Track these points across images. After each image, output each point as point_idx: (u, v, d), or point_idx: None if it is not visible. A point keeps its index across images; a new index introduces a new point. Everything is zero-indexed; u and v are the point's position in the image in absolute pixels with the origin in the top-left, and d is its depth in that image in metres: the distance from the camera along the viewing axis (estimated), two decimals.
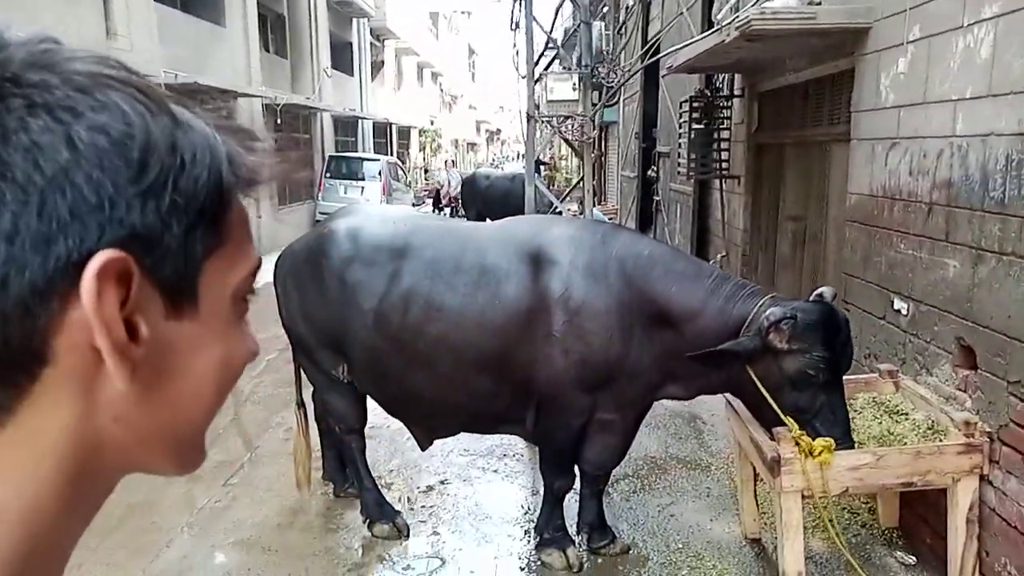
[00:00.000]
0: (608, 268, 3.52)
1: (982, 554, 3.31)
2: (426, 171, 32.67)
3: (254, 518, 4.42)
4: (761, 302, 3.28)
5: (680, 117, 7.91)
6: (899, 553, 3.89)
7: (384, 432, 5.47)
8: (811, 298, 3.37)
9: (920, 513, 3.86)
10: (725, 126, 7.41)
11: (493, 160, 50.25)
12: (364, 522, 4.24)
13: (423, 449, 4.27)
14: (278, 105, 16.20)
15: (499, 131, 76.53)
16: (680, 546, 4.05)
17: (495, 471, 5.03)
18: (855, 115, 4.58)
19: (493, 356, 3.61)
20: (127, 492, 4.60)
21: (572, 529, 4.07)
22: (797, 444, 3.18)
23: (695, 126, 7.38)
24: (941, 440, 3.38)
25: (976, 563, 3.32)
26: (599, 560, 3.94)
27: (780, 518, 3.33)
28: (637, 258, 3.52)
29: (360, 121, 24.92)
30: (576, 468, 3.93)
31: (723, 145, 7.52)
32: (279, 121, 16.67)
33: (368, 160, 19.80)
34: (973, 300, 3.37)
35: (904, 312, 4.01)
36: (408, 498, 4.65)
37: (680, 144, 7.96)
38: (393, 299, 3.72)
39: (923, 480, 3.26)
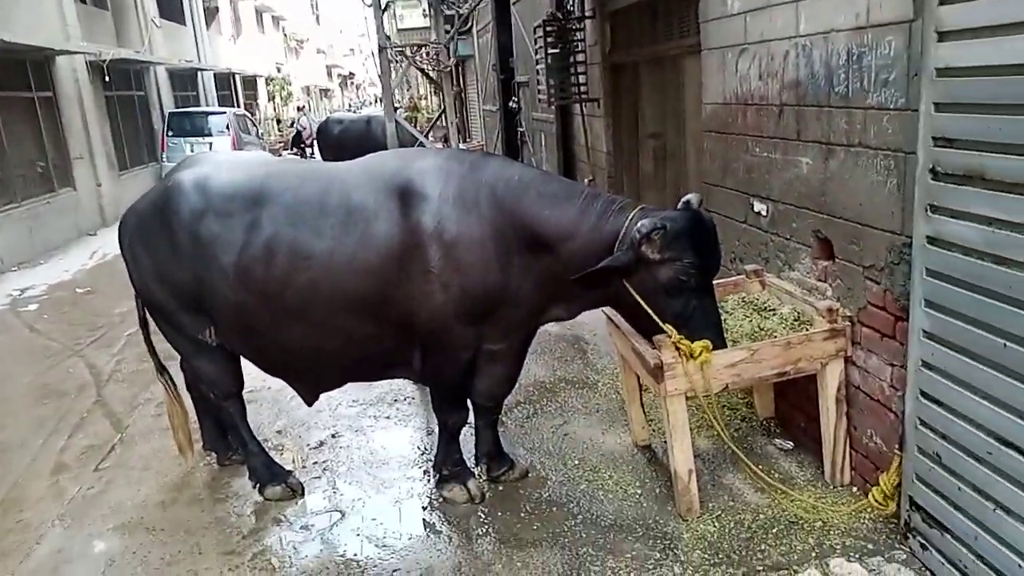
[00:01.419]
0: (480, 197, 3.43)
1: (851, 430, 3.57)
2: (278, 121, 31.11)
3: (134, 499, 4.14)
4: (631, 215, 3.30)
5: (535, 43, 7.82)
6: (777, 440, 4.13)
7: (265, 394, 5.25)
8: (679, 206, 3.42)
9: (793, 401, 4.11)
10: (580, 49, 7.39)
11: (349, 106, 48.47)
12: (254, 487, 4.07)
13: (309, 405, 4.12)
14: (103, 61, 14.82)
15: (352, 75, 73.94)
16: (577, 462, 4.14)
17: (387, 417, 4.94)
18: (704, 25, 4.64)
19: (370, 299, 3.48)
20: None
21: (471, 462, 4.07)
22: (678, 349, 3.26)
23: (551, 51, 7.32)
24: (808, 329, 3.58)
25: (847, 438, 3.57)
26: (500, 488, 3.96)
27: (667, 421, 3.44)
28: (508, 183, 3.45)
29: (199, 73, 23.29)
30: (468, 402, 3.90)
31: (580, 68, 7.51)
32: (108, 79, 15.29)
33: (213, 114, 18.61)
34: (827, 193, 3.53)
35: (764, 213, 4.18)
36: (299, 457, 4.50)
37: (538, 72, 7.89)
38: (254, 250, 3.50)
39: (795, 368, 3.45)
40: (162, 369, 4.19)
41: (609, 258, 3.23)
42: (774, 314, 3.84)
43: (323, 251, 3.45)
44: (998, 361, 2.46)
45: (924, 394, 2.88)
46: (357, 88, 76.45)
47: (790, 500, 3.51)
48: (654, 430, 4.33)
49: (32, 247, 11.95)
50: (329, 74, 61.19)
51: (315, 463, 4.41)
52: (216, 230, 3.54)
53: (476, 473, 4.01)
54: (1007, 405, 2.45)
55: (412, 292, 3.44)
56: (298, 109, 29.66)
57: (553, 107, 8.35)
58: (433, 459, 4.04)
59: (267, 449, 4.30)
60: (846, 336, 3.44)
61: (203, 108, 20.35)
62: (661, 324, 3.26)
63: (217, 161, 3.85)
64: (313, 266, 3.47)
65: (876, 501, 3.30)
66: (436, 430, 3.97)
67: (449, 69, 9.45)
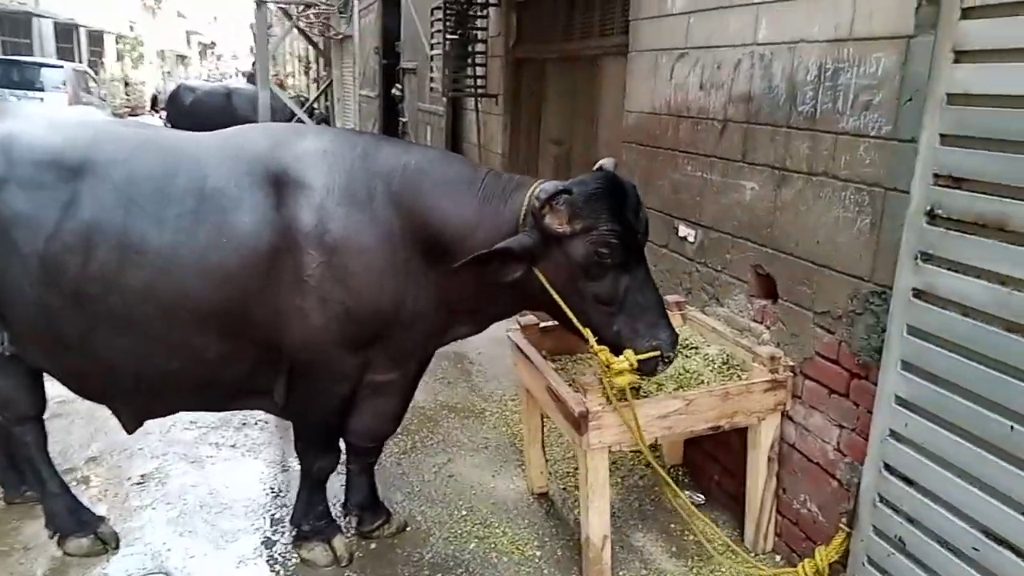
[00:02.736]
0: (373, 190, 2.74)
1: (779, 492, 3.18)
2: (126, 84, 28.37)
3: None
4: (532, 189, 2.68)
5: (432, 27, 7.14)
6: (687, 493, 3.69)
7: (78, 408, 4.24)
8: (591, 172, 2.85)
9: (707, 449, 3.69)
10: (481, 38, 6.80)
11: (208, 76, 45.14)
12: (52, 537, 3.16)
13: (129, 432, 3.23)
14: None
15: (213, 44, 69.60)
16: (464, 513, 3.52)
17: (232, 446, 4.10)
18: (634, 24, 4.17)
19: (223, 312, 2.71)
20: None
21: (336, 511, 3.36)
22: (608, 367, 2.65)
23: (449, 37, 6.68)
24: (739, 376, 3.16)
25: (774, 501, 3.18)
26: (372, 546, 3.28)
27: (585, 479, 2.90)
28: (405, 173, 2.77)
29: (36, 20, 20.67)
30: (341, 442, 3.19)
31: (479, 60, 6.92)
32: None
33: (48, 66, 16.45)
34: (774, 225, 3.12)
35: (691, 240, 3.75)
36: (116, 497, 3.59)
37: (431, 59, 7.22)
38: (69, 237, 2.64)
39: (731, 422, 3.01)
40: None
41: (507, 240, 2.60)
42: (697, 353, 3.39)
43: (163, 246, 2.65)
44: (1000, 445, 2.09)
45: (889, 468, 2.49)
46: (218, 59, 72.05)
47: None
48: (552, 475, 3.79)
49: None
50: (188, 40, 57.14)
51: (137, 506, 3.52)
52: (18, 206, 2.64)
53: (343, 528, 3.30)
54: (1008, 498, 2.07)
55: (280, 307, 2.70)
56: (252, 64, 27.38)
57: (445, 99, 7.70)
58: (292, 509, 3.28)
59: (74, 483, 3.39)
60: (787, 388, 3.04)
61: (35, 59, 17.99)
62: (577, 324, 2.65)
63: (29, 115, 2.92)
64: (148, 264, 2.65)
65: (806, 575, 2.89)
66: (296, 467, 3.23)
67: (341, 37, 8.49)
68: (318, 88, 12.53)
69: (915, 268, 2.34)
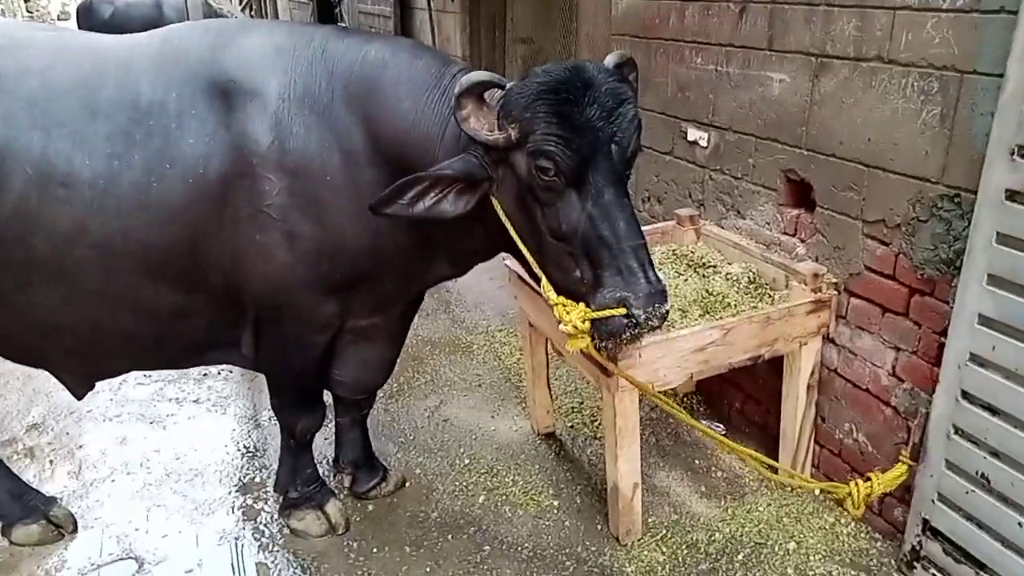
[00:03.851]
0: (335, 96, 2.22)
1: (817, 421, 2.90)
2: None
3: None
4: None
5: None
6: (704, 422, 3.41)
7: (11, 367, 3.71)
8: None
9: (724, 375, 3.36)
10: None
11: None
12: None
13: (79, 398, 2.75)
14: None
15: None
16: (467, 462, 3.18)
17: (195, 401, 3.64)
18: None
19: (171, 255, 2.22)
20: None
21: (324, 470, 2.98)
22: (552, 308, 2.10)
23: None
24: (770, 296, 2.82)
25: (812, 431, 2.90)
26: (371, 508, 2.92)
27: (613, 423, 2.56)
28: (361, 67, 2.21)
29: None
30: (327, 393, 2.78)
31: None
32: None
33: None
34: (811, 123, 2.72)
35: (703, 143, 3.33)
36: (67, 472, 3.13)
37: None
38: None
39: (771, 350, 2.68)
40: None
41: (444, 164, 2.04)
42: (716, 273, 3.04)
43: (93, 176, 2.13)
44: None
45: (968, 396, 2.20)
46: None
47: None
48: (559, 413, 3.45)
49: None
50: None
51: (93, 479, 3.07)
52: None
53: (335, 490, 2.92)
54: None
55: (237, 244, 2.22)
56: None
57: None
58: (276, 473, 2.88)
59: (15, 457, 2.93)
60: (831, 309, 2.71)
61: None
62: (532, 262, 2.10)
63: None
64: (77, 199, 2.14)
65: (852, 506, 2.62)
66: (272, 423, 2.83)
67: None
68: None
69: (1011, 165, 1.98)
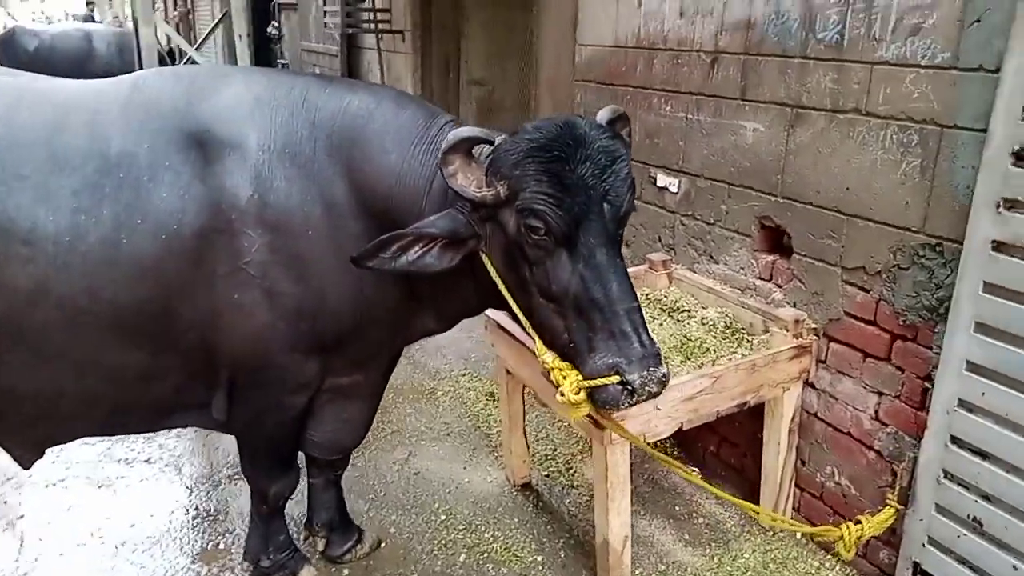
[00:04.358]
0: (316, 146, 2.13)
1: (797, 464, 2.91)
2: None
3: None
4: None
5: None
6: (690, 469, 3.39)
7: None
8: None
9: None
10: None
11: (33, 18, 40.06)
12: None
13: (25, 468, 2.53)
14: None
15: None
16: (444, 517, 3.06)
17: (146, 461, 3.41)
18: None
19: (140, 314, 2.08)
20: None
21: (293, 532, 2.82)
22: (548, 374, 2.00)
23: None
24: (748, 341, 2.84)
25: (793, 475, 2.91)
26: (345, 571, 2.77)
27: (604, 477, 2.50)
28: (344, 116, 2.14)
29: None
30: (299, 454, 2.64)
31: None
32: None
33: None
34: (786, 171, 2.77)
35: (672, 189, 3.36)
36: (7, 542, 2.87)
37: None
38: None
39: (756, 397, 2.68)
40: None
41: (429, 219, 1.96)
42: (691, 317, 3.04)
43: (58, 232, 1.98)
44: None
45: (957, 441, 2.24)
46: (42, 1, 64.82)
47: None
48: (533, 461, 3.38)
49: None
50: None
51: (38, 556, 2.82)
52: None
53: (308, 555, 2.76)
54: None
55: (214, 303, 2.09)
56: (87, 5, 24.40)
57: (338, 37, 6.90)
58: (245, 541, 2.71)
59: None
60: (811, 354, 2.74)
61: None
62: (524, 323, 2.03)
63: None
64: (39, 257, 1.98)
65: (844, 549, 2.62)
66: (233, 482, 2.66)
67: None
68: (178, 30, 11.17)
69: (997, 217, 2.04)
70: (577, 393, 1.89)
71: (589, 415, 2.12)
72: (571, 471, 3.37)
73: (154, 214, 2.03)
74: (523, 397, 3.15)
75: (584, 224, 1.84)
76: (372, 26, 6.23)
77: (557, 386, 1.94)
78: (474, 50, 5.43)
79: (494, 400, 3.92)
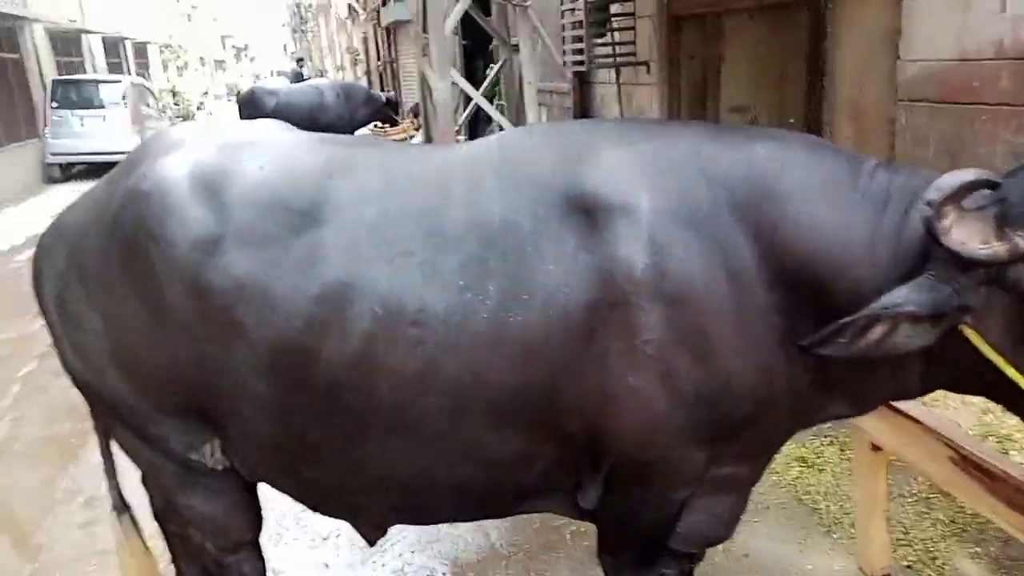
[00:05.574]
0: (717, 207, 1.84)
1: None
2: (174, 94, 28.02)
3: None
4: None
5: None
6: None
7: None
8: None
9: None
10: None
11: (256, 78, 44.67)
12: None
13: (371, 544, 2.43)
14: None
15: (247, 47, 69.87)
16: None
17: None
18: None
19: (523, 397, 1.87)
20: None
21: None
22: None
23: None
24: None
25: None
26: None
27: None
28: (751, 171, 1.82)
29: (85, 36, 20.33)
30: None
31: (616, 23, 6.00)
32: None
33: (106, 82, 16.02)
34: None
35: None
36: None
37: (563, 27, 6.30)
38: (315, 309, 1.83)
39: None
40: (124, 506, 2.43)
41: (901, 292, 1.60)
42: None
43: (447, 311, 1.82)
44: None
45: None
46: (251, 60, 72.23)
47: None
48: (897, 550, 2.90)
49: None
50: (223, 44, 57.19)
51: None
52: (240, 270, 1.84)
53: None
54: None
55: (604, 386, 1.84)
56: (297, 61, 28.09)
57: (570, 74, 6.80)
58: None
59: None
60: None
61: (94, 76, 17.60)
62: None
63: (228, 139, 2.10)
64: (429, 338, 1.83)
65: None
66: None
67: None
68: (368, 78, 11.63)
69: None
70: None
71: None
72: (936, 560, 2.86)
73: (540, 288, 1.82)
74: (886, 476, 2.70)
75: None
76: (612, 60, 6.04)
77: None
78: (736, 74, 5.07)
79: (808, 466, 3.49)
